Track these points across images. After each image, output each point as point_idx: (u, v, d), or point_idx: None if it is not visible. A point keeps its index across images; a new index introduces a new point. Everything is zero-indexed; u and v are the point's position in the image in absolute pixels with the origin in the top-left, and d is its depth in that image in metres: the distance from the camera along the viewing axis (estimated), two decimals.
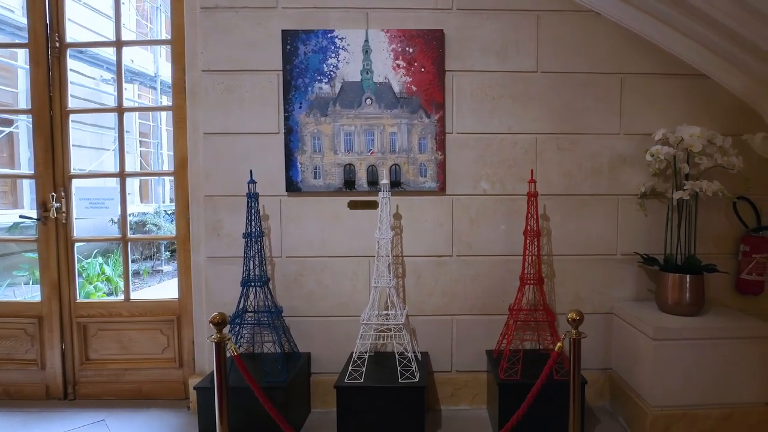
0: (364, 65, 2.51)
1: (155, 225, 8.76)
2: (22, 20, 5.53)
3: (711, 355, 2.21)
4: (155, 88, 9.43)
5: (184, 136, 2.62)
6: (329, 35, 2.50)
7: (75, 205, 2.73)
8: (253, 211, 2.34)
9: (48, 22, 2.62)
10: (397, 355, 2.27)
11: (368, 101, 2.52)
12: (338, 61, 2.50)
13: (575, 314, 1.69)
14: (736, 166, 2.29)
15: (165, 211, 9.81)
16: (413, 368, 2.22)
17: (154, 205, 9.74)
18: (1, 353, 2.77)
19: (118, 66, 2.71)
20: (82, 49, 6.92)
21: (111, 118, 8.57)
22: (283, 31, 2.49)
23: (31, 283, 5.43)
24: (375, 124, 2.54)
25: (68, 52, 2.67)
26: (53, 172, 2.68)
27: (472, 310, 2.67)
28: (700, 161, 2.29)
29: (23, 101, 6.32)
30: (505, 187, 2.62)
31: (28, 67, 2.66)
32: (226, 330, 1.76)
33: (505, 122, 2.60)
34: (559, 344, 1.75)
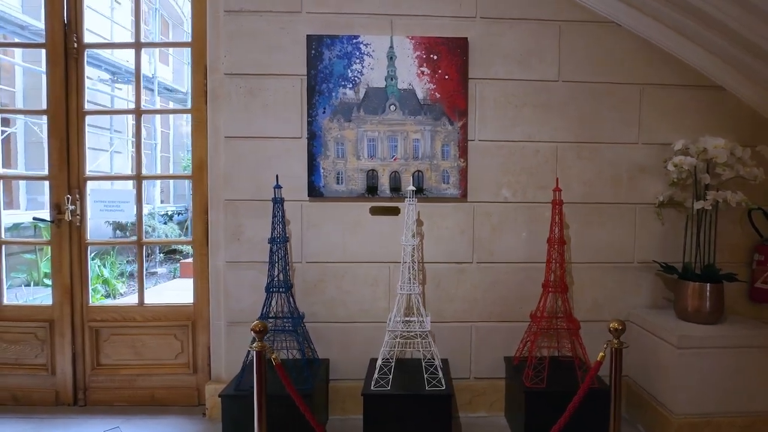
0: (388, 71, 2.51)
1: (150, 227, 8.65)
2: (23, 17, 5.45)
3: (734, 364, 2.24)
4: (152, 90, 9.34)
5: (203, 140, 2.59)
6: (354, 41, 2.49)
7: (90, 208, 2.68)
8: (278, 216, 2.32)
9: (66, 22, 2.58)
10: (423, 363, 2.26)
11: (392, 107, 2.52)
12: (363, 66, 2.50)
13: (617, 324, 1.70)
14: (758, 177, 2.33)
15: (158, 213, 9.70)
16: (440, 376, 2.21)
17: (148, 207, 9.62)
18: (9, 358, 2.70)
19: (137, 68, 2.68)
20: None
21: (106, 120, 8.49)
22: (308, 36, 2.48)
23: (32, 285, 5.32)
24: (398, 130, 2.54)
25: (86, 52, 2.63)
26: (68, 173, 2.63)
27: (491, 317, 2.67)
28: (722, 172, 2.32)
29: (20, 101, 6.21)
30: (526, 194, 2.63)
31: (45, 68, 2.60)
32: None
33: (527, 130, 2.61)
34: (601, 354, 1.76)
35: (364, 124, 2.52)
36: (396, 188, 2.56)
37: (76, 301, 2.70)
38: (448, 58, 2.52)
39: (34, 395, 2.71)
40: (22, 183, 6.97)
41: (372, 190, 2.55)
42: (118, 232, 8.41)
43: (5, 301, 2.73)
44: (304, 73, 2.50)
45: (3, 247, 2.72)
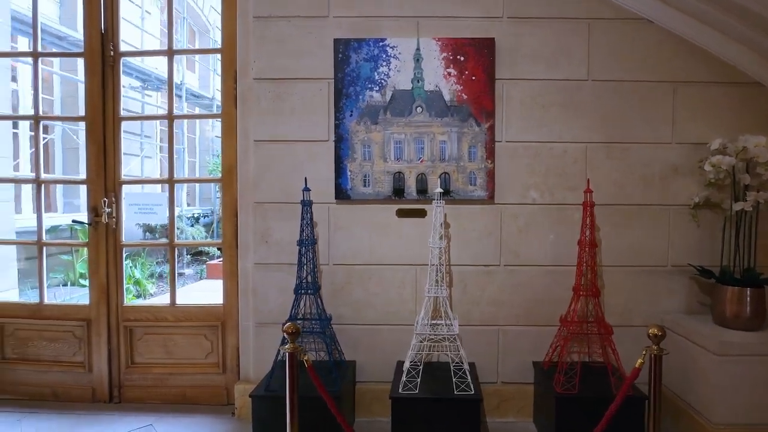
0: (415, 73, 2.51)
1: (178, 229, 8.87)
2: (61, 28, 5.68)
3: None
4: (180, 96, 9.62)
5: (232, 144, 2.64)
6: (381, 44, 2.50)
7: (125, 211, 2.76)
8: (306, 218, 2.34)
9: (103, 31, 2.67)
10: (452, 366, 2.24)
11: (419, 109, 2.52)
12: (389, 69, 2.51)
13: (657, 329, 1.65)
14: None
15: (185, 215, 9.94)
16: (468, 380, 2.19)
17: (176, 210, 9.87)
18: (49, 355, 2.81)
19: (169, 75, 2.76)
20: None
21: (137, 125, 8.76)
22: (335, 39, 2.50)
23: (68, 285, 5.52)
24: (425, 132, 2.53)
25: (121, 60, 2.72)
26: (105, 178, 2.72)
27: (518, 320, 2.64)
28: (764, 172, 2.24)
29: (58, 108, 6.47)
30: (554, 196, 2.59)
31: (82, 76, 2.70)
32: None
33: (555, 131, 2.58)
34: (640, 360, 1.71)
35: (390, 127, 2.53)
36: (423, 190, 2.56)
37: (111, 301, 2.78)
38: (475, 58, 2.51)
39: (73, 392, 2.80)
40: (59, 186, 7.28)
41: (399, 192, 2.55)
42: (147, 234, 8.67)
43: (45, 301, 2.84)
44: (331, 77, 2.53)
45: (44, 248, 2.83)
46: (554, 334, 2.51)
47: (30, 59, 2.75)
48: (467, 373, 2.23)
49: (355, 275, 2.61)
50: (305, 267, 2.34)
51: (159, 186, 8.27)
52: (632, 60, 2.55)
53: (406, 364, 2.29)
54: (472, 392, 2.15)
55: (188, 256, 9.24)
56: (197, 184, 12.11)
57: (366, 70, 2.51)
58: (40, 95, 2.80)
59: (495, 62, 2.52)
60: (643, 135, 2.58)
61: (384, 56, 2.51)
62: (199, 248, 9.51)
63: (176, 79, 9.39)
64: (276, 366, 2.35)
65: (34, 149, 2.72)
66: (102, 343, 2.78)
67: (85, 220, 2.77)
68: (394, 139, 2.53)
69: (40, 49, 2.79)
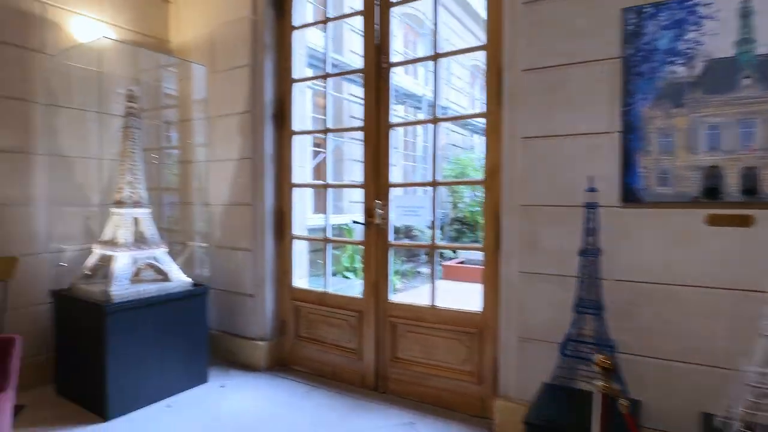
0: (741, 34, 1.89)
1: (420, 231, 9.55)
2: (332, 55, 6.70)
3: None
4: (419, 108, 10.42)
5: (497, 143, 2.50)
6: (687, 3, 1.97)
7: (392, 212, 2.94)
8: (591, 224, 2.01)
9: (377, 45, 2.91)
10: None
11: (746, 81, 1.88)
12: (701, 34, 1.95)
13: None
14: None
15: None
16: None
17: (423, 212, 10.70)
18: (331, 339, 3.21)
19: (435, 76, 2.82)
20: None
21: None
22: (623, 9, 2.09)
23: (337, 275, 6.47)
24: (756, 111, 1.88)
25: (391, 72, 2.92)
26: (377, 181, 2.96)
27: None
28: None
29: (330, 122, 7.71)
30: None
31: (364, 92, 2.99)
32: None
33: None
34: None
35: (701, 108, 1.96)
36: (750, 190, 1.90)
37: (379, 296, 2.99)
38: None
39: (345, 374, 3.13)
40: (328, 191, 8.67)
41: (711, 192, 1.96)
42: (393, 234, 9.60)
43: (329, 290, 3.26)
44: (616, 56, 2.12)
45: (329, 245, 3.28)
46: None
47: (320, 82, 3.21)
48: None
49: (643, 295, 2.13)
50: (586, 281, 2.01)
51: (401, 189, 9.02)
52: None
53: (731, 423, 1.71)
54: None
55: (425, 256, 9.81)
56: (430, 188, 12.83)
57: (665, 41, 2.01)
58: (329, 113, 3.26)
59: None
60: None
61: (692, 19, 1.97)
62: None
63: (417, 92, 10.19)
64: (546, 389, 2.09)
65: (322, 158, 3.16)
66: (371, 334, 3.01)
67: (359, 220, 3.07)
68: (706, 124, 1.96)
69: (329, 70, 3.27)
